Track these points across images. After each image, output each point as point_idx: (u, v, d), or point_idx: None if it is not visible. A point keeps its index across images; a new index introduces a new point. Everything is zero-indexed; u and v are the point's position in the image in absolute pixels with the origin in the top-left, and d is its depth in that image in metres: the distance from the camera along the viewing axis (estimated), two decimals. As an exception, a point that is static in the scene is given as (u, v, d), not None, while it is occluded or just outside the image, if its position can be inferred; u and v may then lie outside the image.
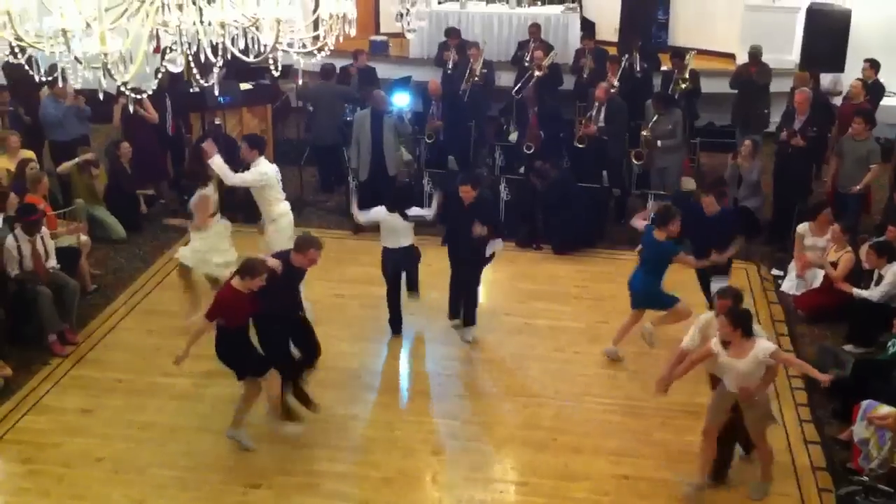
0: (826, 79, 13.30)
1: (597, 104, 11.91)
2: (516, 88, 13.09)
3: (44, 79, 4.93)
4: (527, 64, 13.56)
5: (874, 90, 12.37)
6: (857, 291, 9.10)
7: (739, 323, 6.52)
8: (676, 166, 11.88)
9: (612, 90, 12.18)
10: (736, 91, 13.05)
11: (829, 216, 9.85)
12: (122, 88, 4.47)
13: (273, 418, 7.51)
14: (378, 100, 11.10)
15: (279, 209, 9.14)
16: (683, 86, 12.52)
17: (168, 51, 4.73)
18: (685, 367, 6.97)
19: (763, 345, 6.56)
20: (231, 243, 9.21)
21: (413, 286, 9.23)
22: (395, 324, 9.22)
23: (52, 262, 9.12)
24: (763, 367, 6.58)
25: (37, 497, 6.95)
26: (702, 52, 14.07)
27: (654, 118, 11.51)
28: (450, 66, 13.74)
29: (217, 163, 8.86)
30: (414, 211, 8.84)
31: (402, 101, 11.34)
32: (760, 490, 7.05)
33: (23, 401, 8.09)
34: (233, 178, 9.01)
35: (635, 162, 11.59)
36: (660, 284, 8.56)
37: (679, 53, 13.12)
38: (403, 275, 9.07)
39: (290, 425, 7.58)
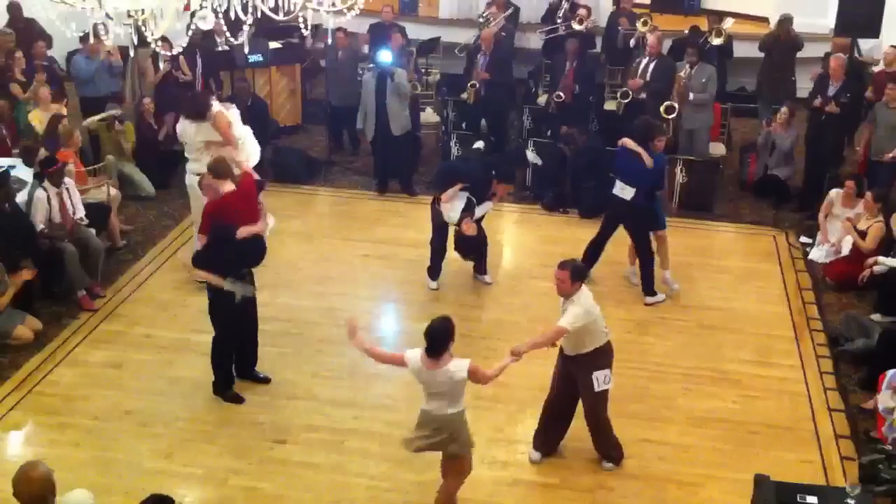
0: (867, 46, 13.03)
1: (647, 58, 11.62)
2: (546, 33, 13.15)
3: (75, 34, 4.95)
4: (559, 20, 13.44)
5: (911, 56, 12.11)
6: (885, 259, 9.00)
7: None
8: (705, 130, 11.73)
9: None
10: (763, 56, 12.86)
11: (852, 189, 9.74)
12: (154, 46, 4.49)
13: None
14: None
15: None
16: (717, 41, 12.27)
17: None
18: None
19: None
20: None
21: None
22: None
23: (80, 213, 9.20)
24: None
25: (67, 448, 7.06)
26: (735, 16, 13.83)
27: (688, 69, 11.36)
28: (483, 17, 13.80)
29: None
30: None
31: (385, 57, 11.35)
32: None
33: (52, 354, 8.21)
34: None
35: (665, 115, 11.28)
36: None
37: (717, 16, 12.93)
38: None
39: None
